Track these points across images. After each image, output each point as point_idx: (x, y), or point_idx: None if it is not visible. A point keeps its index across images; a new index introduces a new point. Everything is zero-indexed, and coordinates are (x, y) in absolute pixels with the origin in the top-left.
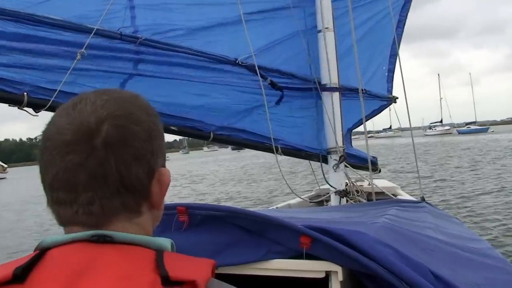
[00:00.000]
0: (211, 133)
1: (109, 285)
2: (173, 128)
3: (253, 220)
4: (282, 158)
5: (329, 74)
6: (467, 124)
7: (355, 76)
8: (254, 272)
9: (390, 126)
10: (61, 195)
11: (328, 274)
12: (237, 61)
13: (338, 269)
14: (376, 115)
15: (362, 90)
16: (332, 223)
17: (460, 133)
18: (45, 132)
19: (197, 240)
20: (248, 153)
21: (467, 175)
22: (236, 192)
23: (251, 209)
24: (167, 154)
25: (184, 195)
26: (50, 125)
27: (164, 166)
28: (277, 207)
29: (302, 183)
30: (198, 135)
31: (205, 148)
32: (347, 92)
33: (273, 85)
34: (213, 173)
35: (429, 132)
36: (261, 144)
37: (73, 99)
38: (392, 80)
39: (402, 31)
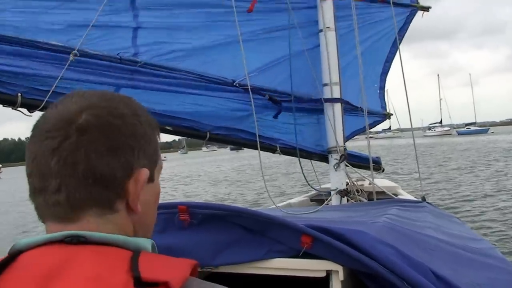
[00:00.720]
0: (208, 132)
1: (81, 286)
2: (168, 128)
3: (254, 219)
4: (279, 159)
5: (330, 78)
6: (466, 125)
7: (351, 93)
8: (255, 271)
9: (390, 127)
10: (36, 182)
11: (329, 273)
12: (234, 83)
13: (339, 268)
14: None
15: (358, 107)
16: (332, 223)
17: (459, 134)
18: (34, 124)
19: (198, 239)
20: (247, 153)
21: (466, 177)
22: (225, 194)
23: (251, 208)
24: (164, 154)
25: (169, 197)
26: (40, 117)
27: (148, 168)
28: (277, 206)
29: (297, 184)
30: (195, 134)
31: (204, 148)
32: (347, 106)
33: (272, 101)
34: (207, 174)
35: (428, 133)
36: (260, 144)
37: (67, 94)
38: (384, 97)
39: (396, 50)
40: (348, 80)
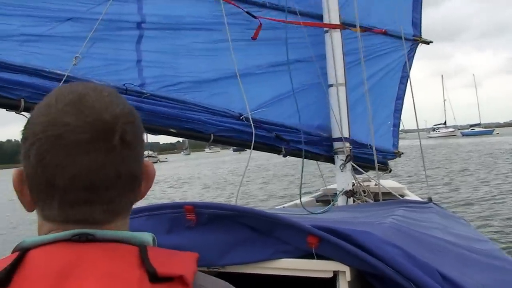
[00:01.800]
0: (212, 134)
1: (96, 284)
2: (172, 130)
3: (261, 219)
4: (276, 161)
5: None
6: (471, 126)
7: (360, 131)
8: (261, 271)
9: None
10: (81, 195)
11: (335, 274)
12: (241, 117)
13: (346, 269)
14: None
15: (368, 145)
16: (339, 223)
17: (464, 135)
18: (48, 131)
19: (204, 239)
20: (247, 155)
21: (472, 178)
22: (212, 198)
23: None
24: (166, 156)
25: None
26: (54, 122)
27: None
28: (283, 207)
29: (290, 187)
30: (199, 136)
31: (207, 150)
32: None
33: (279, 139)
34: (200, 177)
35: (432, 134)
36: (266, 146)
37: (65, 94)
38: (398, 135)
39: (405, 86)
40: (358, 117)
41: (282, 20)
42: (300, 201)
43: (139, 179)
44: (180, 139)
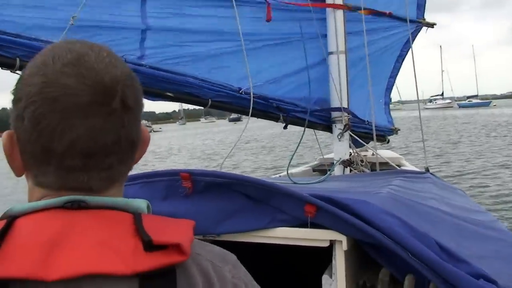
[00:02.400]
0: (209, 100)
1: (88, 252)
2: (169, 94)
3: (258, 188)
4: (264, 134)
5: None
6: (468, 97)
7: (357, 107)
8: (258, 240)
9: (390, 99)
10: (78, 161)
11: (332, 243)
12: (240, 91)
13: (343, 238)
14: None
15: (366, 121)
16: (336, 192)
17: (460, 106)
18: (44, 93)
19: (200, 207)
20: (244, 125)
21: (469, 149)
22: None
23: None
24: (160, 125)
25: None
26: (50, 83)
27: None
28: (279, 175)
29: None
30: (196, 101)
31: (202, 120)
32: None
33: (279, 110)
34: (189, 148)
35: (429, 105)
36: (264, 113)
37: (64, 52)
38: (389, 112)
39: (400, 65)
40: (353, 92)
41: (291, 2)
42: (288, 171)
43: (137, 144)
44: (176, 109)
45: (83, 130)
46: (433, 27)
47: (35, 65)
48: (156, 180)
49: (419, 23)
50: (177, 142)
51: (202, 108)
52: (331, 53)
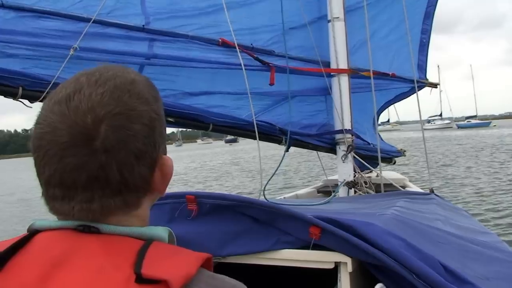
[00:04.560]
0: (211, 124)
1: (83, 277)
2: (170, 119)
3: (263, 209)
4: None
5: (336, 57)
6: (467, 118)
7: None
8: (263, 262)
9: (388, 119)
10: (58, 192)
11: (337, 265)
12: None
13: (348, 260)
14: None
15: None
16: (341, 214)
17: (459, 127)
18: (37, 129)
19: (206, 229)
20: (242, 146)
21: (474, 171)
22: None
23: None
24: None
25: None
26: (42, 120)
27: (165, 152)
28: (284, 197)
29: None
30: (198, 126)
31: (199, 141)
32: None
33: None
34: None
35: (427, 126)
36: (267, 136)
37: (65, 87)
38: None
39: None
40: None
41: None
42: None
43: (139, 183)
44: (175, 130)
45: (60, 167)
46: (436, 87)
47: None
48: (162, 202)
49: (422, 83)
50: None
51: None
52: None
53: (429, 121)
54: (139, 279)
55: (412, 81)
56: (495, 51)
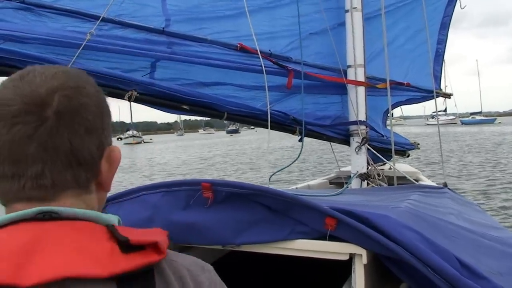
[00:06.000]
0: (225, 113)
1: (64, 257)
2: (185, 107)
3: (278, 199)
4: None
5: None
6: (471, 114)
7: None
8: (277, 252)
9: (392, 114)
10: (7, 169)
11: (352, 256)
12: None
13: (363, 252)
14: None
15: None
16: (355, 206)
17: (463, 123)
18: None
19: (221, 217)
20: (243, 137)
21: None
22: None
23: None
24: (156, 136)
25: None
26: None
27: (111, 144)
28: (296, 188)
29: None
30: (212, 114)
31: (201, 131)
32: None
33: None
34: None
35: (431, 121)
36: (280, 126)
37: (19, 72)
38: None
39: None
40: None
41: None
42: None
43: (87, 158)
44: (177, 119)
45: (8, 139)
46: (450, 98)
47: None
48: (178, 189)
49: (437, 94)
50: (151, 156)
51: (203, 119)
52: (349, 66)
53: (433, 117)
54: (126, 247)
55: (425, 91)
56: (499, 49)
